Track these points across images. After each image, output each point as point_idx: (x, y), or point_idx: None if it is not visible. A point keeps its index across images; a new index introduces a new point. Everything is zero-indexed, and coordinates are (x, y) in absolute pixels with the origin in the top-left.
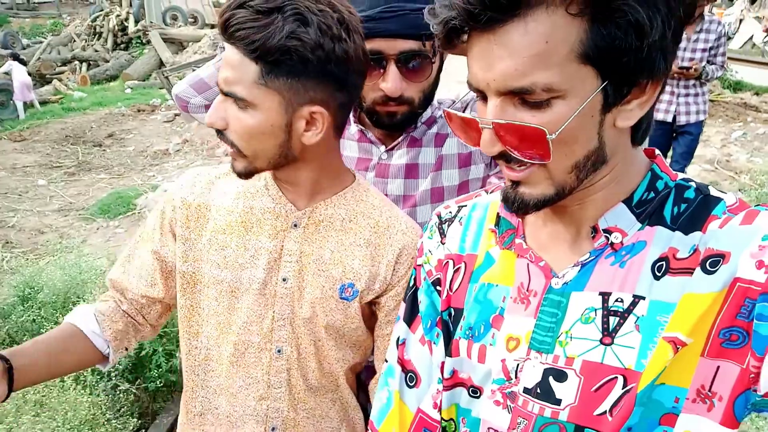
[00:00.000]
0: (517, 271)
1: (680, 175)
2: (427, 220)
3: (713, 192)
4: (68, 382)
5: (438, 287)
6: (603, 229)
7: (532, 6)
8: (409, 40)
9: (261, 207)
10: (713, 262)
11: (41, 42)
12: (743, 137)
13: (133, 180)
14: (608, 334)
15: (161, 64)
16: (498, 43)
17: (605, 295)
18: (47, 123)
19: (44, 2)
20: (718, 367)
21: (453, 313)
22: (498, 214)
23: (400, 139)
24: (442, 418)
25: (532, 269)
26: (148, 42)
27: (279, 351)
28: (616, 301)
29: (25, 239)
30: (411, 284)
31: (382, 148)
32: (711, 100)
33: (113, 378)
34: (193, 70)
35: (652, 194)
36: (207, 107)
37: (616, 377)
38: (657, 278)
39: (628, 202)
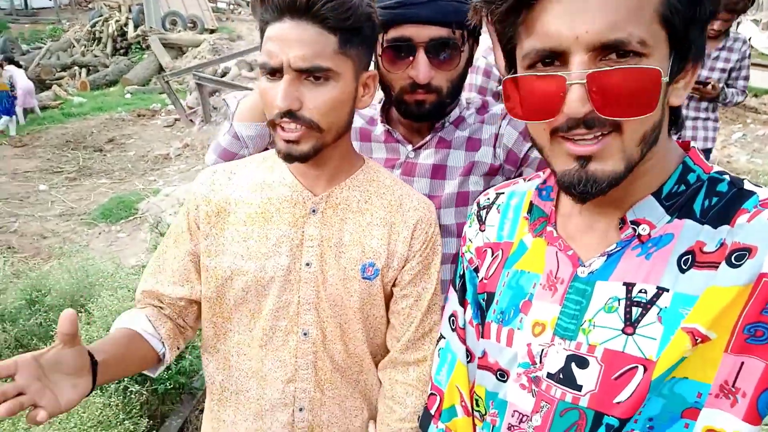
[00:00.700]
0: (546, 258)
1: (715, 168)
2: (450, 224)
3: (747, 185)
4: None
5: (477, 274)
6: (631, 221)
7: None
8: (439, 27)
9: (279, 196)
10: (739, 255)
11: (40, 48)
12: (743, 138)
13: (134, 184)
14: (630, 324)
15: (161, 68)
16: None
17: (629, 286)
18: (47, 128)
19: (43, 8)
20: (743, 363)
21: (486, 298)
22: (531, 202)
23: (428, 138)
24: (475, 393)
25: (560, 257)
26: (148, 47)
27: (305, 334)
28: (640, 292)
29: (28, 244)
30: (460, 270)
31: (410, 146)
32: None
33: (124, 380)
34: (194, 76)
35: (683, 187)
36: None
37: (637, 366)
38: (682, 271)
39: (657, 194)
